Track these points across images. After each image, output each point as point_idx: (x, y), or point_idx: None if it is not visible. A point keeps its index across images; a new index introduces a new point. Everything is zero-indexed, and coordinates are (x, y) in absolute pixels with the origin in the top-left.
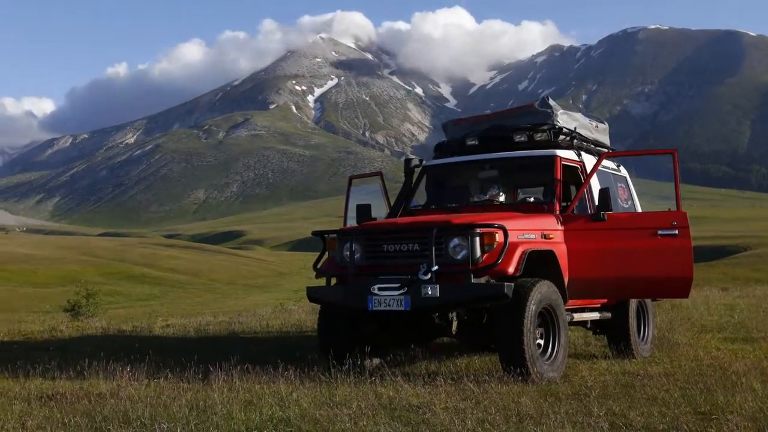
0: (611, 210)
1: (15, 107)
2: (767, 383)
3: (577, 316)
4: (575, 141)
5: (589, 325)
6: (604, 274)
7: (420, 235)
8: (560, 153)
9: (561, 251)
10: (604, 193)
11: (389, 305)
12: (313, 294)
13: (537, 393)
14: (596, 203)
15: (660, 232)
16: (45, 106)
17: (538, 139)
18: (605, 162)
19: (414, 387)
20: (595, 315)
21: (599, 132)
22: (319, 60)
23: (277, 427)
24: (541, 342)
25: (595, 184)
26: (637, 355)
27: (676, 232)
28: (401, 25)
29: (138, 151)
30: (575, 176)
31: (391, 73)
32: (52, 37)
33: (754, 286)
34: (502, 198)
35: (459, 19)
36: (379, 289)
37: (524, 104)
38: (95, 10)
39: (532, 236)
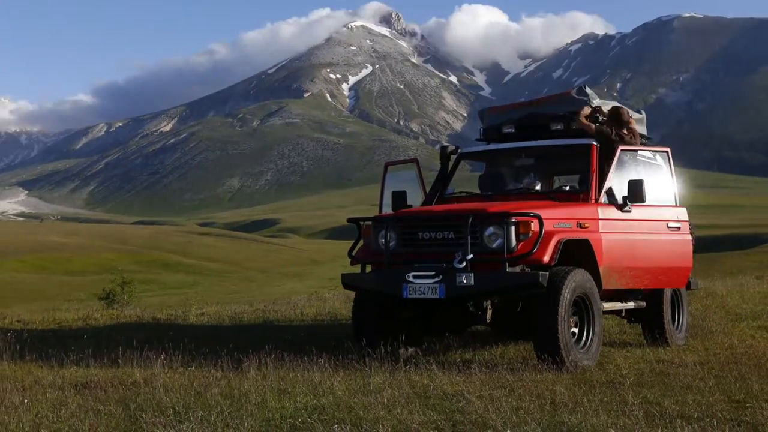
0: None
1: (51, 95)
2: None
3: (612, 305)
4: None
5: (623, 314)
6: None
7: (455, 223)
8: (597, 142)
9: (596, 240)
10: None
11: (424, 293)
12: (347, 281)
13: (571, 381)
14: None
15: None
16: (79, 95)
17: (574, 127)
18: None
19: (448, 375)
20: (630, 304)
21: (635, 121)
22: (353, 48)
23: (311, 416)
24: (576, 330)
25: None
26: (671, 344)
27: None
28: (437, 17)
29: (173, 140)
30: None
31: (426, 62)
32: (90, 27)
33: None
34: (538, 186)
35: (493, 10)
36: (414, 276)
37: (561, 92)
38: None
39: (568, 225)
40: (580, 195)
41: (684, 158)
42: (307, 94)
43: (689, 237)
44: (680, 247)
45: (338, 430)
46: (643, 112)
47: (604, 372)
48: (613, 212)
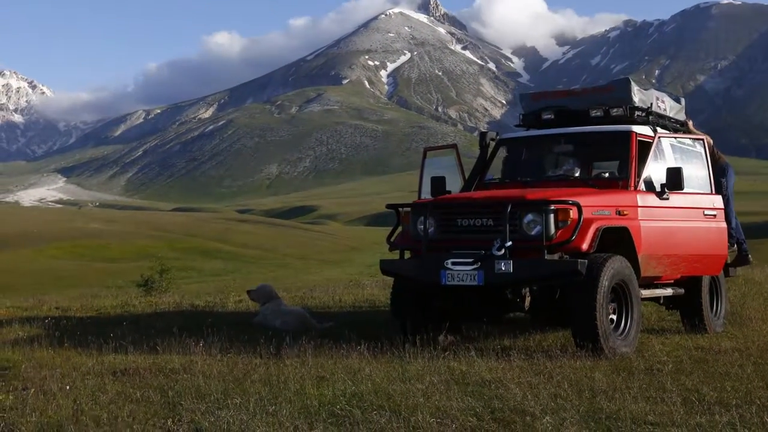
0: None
1: (89, 82)
2: None
3: (650, 292)
4: (651, 117)
5: (661, 301)
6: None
7: (494, 210)
8: (636, 129)
9: (635, 227)
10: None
11: (462, 280)
12: (386, 267)
13: (610, 368)
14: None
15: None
16: (117, 82)
17: (614, 114)
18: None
19: (487, 362)
20: (668, 291)
21: (674, 109)
22: (392, 35)
23: (349, 402)
24: (614, 317)
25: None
26: (709, 330)
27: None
28: (475, 3)
29: (211, 127)
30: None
31: (464, 48)
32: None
33: None
34: (577, 173)
35: None
36: (453, 263)
37: (603, 86)
38: None
39: (607, 212)
40: (619, 182)
41: (722, 145)
42: (345, 81)
43: (724, 225)
44: (716, 234)
45: (377, 416)
46: (683, 99)
47: (643, 359)
48: (651, 199)
